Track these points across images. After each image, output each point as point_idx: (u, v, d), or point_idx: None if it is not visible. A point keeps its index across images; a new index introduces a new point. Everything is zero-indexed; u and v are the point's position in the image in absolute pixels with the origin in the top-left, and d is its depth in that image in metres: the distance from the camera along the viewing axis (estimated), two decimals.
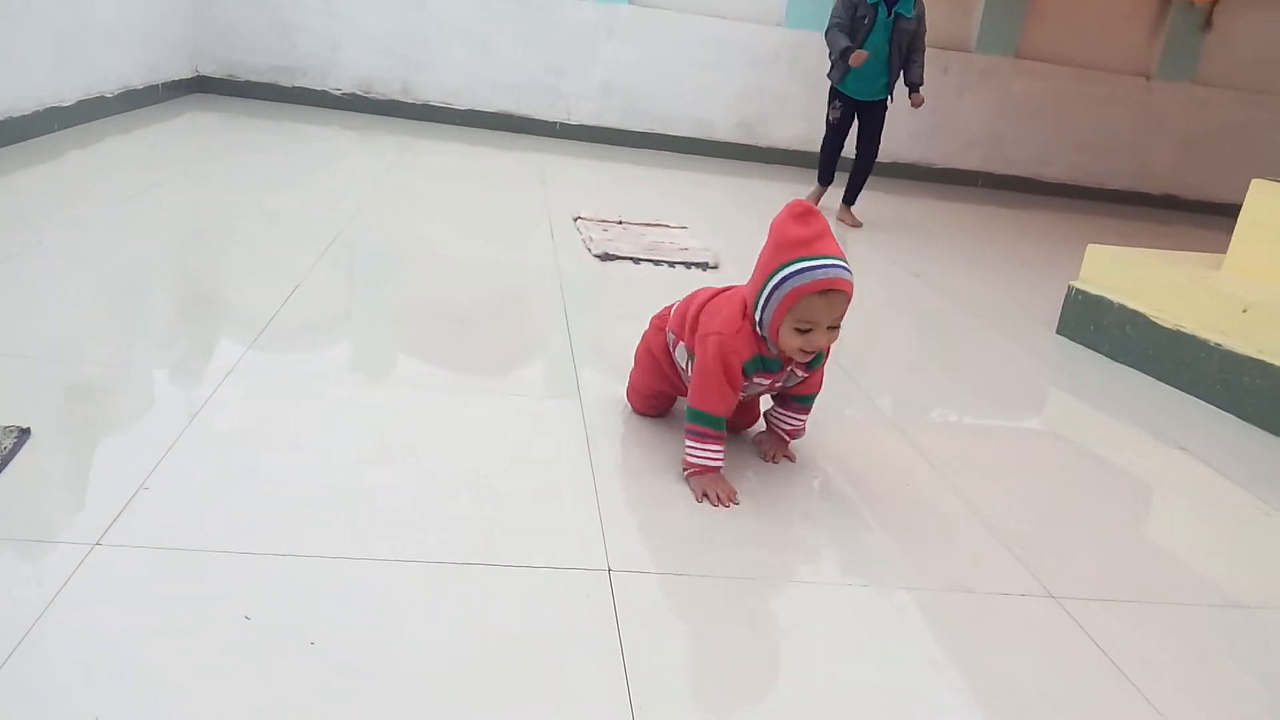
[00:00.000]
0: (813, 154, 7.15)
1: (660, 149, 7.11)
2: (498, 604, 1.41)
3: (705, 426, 1.87)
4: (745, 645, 1.41)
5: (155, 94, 5.87)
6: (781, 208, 1.85)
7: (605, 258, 3.66)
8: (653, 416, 2.20)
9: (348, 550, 1.48)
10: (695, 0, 7.00)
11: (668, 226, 4.35)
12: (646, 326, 2.20)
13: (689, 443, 1.89)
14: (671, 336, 2.07)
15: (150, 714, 1.12)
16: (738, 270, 3.73)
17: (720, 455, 1.88)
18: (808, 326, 1.78)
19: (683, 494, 1.85)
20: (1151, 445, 2.55)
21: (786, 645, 1.44)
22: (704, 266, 3.73)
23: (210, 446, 1.75)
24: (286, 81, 6.76)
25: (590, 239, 3.86)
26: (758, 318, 1.83)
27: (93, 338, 2.21)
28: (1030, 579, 1.71)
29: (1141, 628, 1.60)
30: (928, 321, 3.58)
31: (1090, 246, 3.45)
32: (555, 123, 7.04)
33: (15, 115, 4.18)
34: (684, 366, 2.04)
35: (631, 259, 3.67)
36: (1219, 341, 2.88)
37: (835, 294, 1.76)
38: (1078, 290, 3.41)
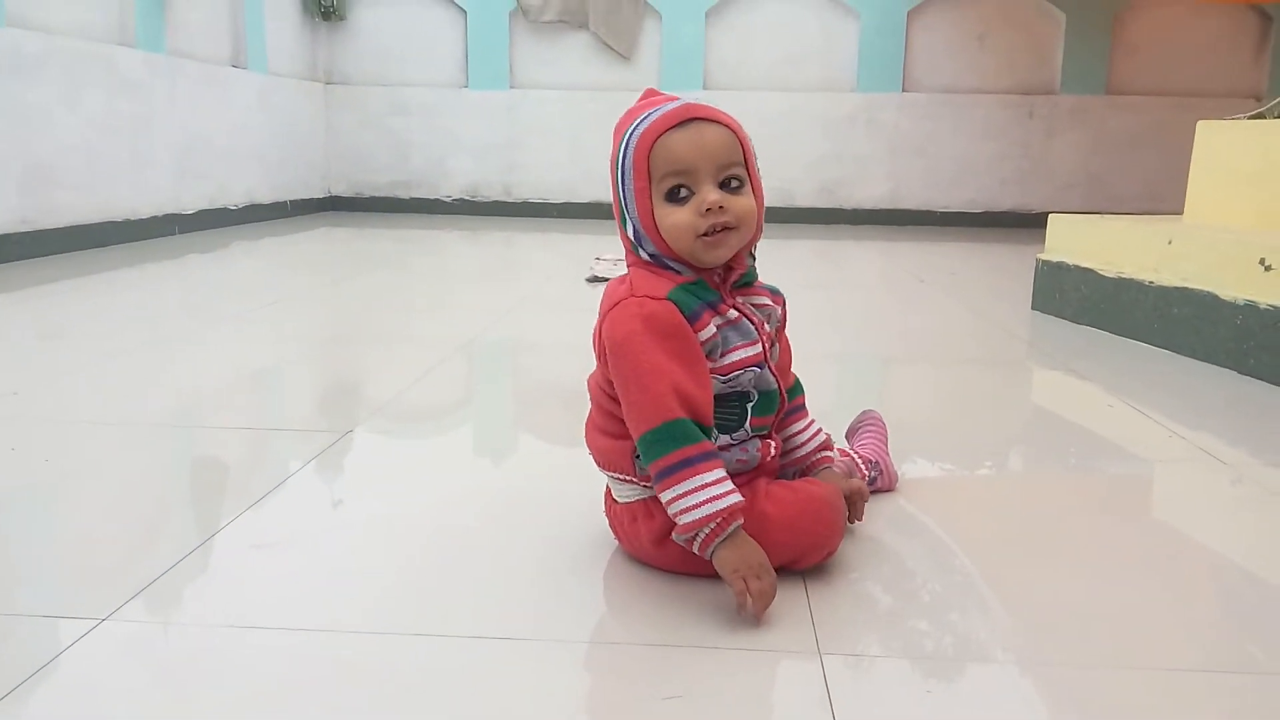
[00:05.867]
0: (899, 211, 7.26)
1: None
2: None
3: (677, 450, 1.15)
4: None
5: (284, 209, 6.80)
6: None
7: (593, 280, 3.95)
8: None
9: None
10: (767, 77, 7.36)
11: None
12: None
13: (669, 493, 1.16)
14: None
15: None
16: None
17: (729, 487, 1.16)
18: (678, 180, 1.20)
19: None
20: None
21: None
22: None
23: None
24: (404, 194, 7.61)
25: (593, 268, 4.16)
26: (633, 233, 1.25)
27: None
28: None
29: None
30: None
31: (1052, 216, 3.41)
32: None
33: (134, 219, 5.04)
34: None
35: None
36: (1151, 279, 2.79)
37: (698, 123, 1.21)
38: (1042, 261, 3.37)
